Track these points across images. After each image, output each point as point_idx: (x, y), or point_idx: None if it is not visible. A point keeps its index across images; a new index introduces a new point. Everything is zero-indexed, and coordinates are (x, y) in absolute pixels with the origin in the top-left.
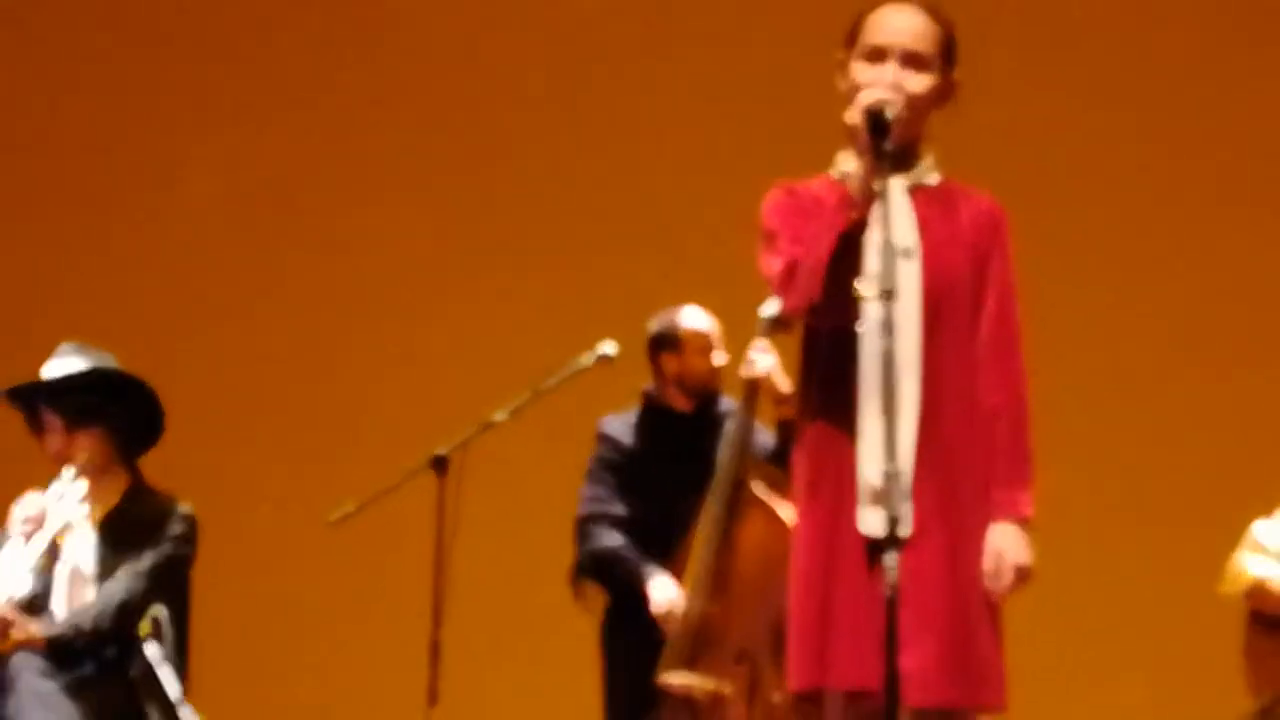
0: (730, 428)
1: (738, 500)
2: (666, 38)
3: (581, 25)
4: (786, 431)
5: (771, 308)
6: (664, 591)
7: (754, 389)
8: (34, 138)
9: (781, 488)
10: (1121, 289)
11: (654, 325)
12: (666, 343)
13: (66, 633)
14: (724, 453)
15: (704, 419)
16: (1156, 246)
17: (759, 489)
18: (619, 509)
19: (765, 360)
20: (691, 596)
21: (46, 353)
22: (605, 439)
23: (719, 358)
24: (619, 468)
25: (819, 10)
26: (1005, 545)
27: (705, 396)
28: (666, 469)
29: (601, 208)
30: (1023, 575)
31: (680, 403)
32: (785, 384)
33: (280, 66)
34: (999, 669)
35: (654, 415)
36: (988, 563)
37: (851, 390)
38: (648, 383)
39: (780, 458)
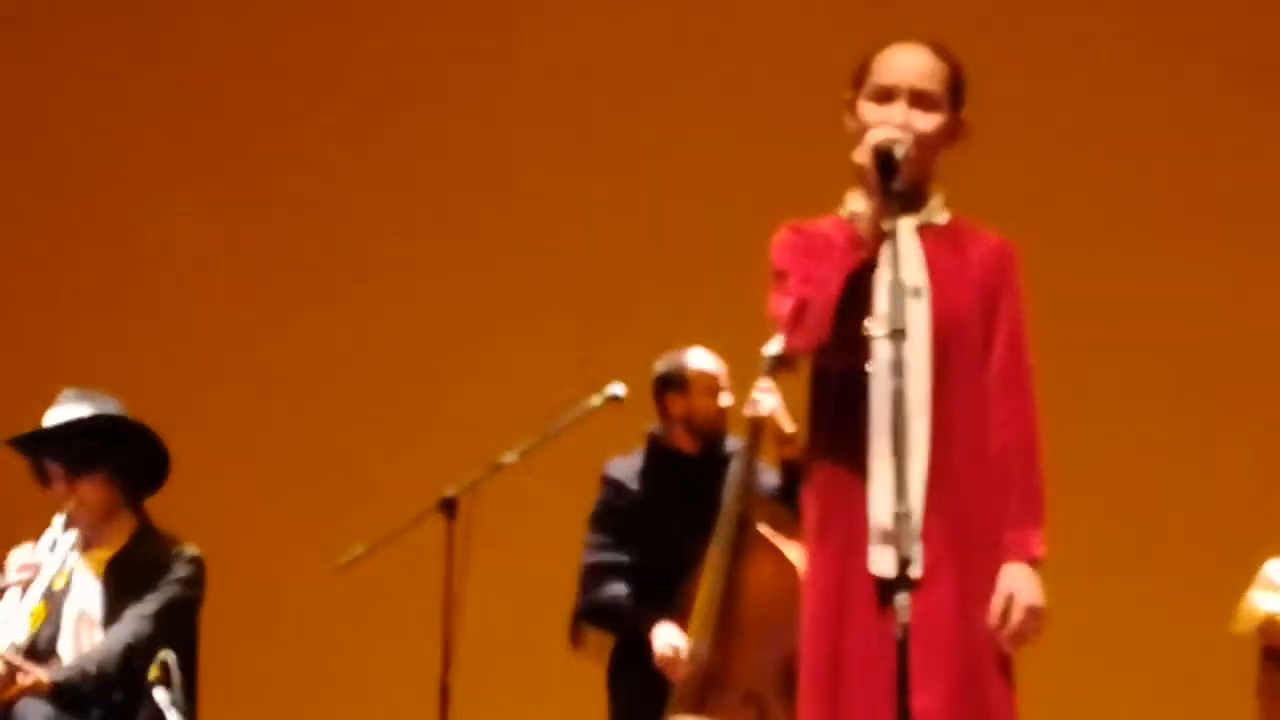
0: (734, 468)
1: (742, 540)
2: (674, 77)
3: (595, 65)
4: (790, 471)
5: (775, 347)
6: (667, 639)
7: (758, 429)
8: (32, 177)
9: (786, 527)
10: (1134, 324)
11: (660, 366)
12: (673, 383)
13: (73, 677)
14: (728, 493)
15: (710, 460)
16: (1167, 278)
17: (764, 529)
18: (623, 556)
19: (769, 400)
20: (697, 639)
21: (55, 397)
22: (609, 482)
23: (725, 399)
24: (623, 512)
25: (829, 51)
26: (1016, 586)
27: (711, 437)
28: (672, 511)
29: (611, 248)
30: (1034, 616)
31: (686, 444)
32: (789, 424)
33: (288, 104)
34: (1011, 709)
35: (659, 457)
36: (998, 604)
37: (861, 431)
38: (654, 424)
39: (785, 497)
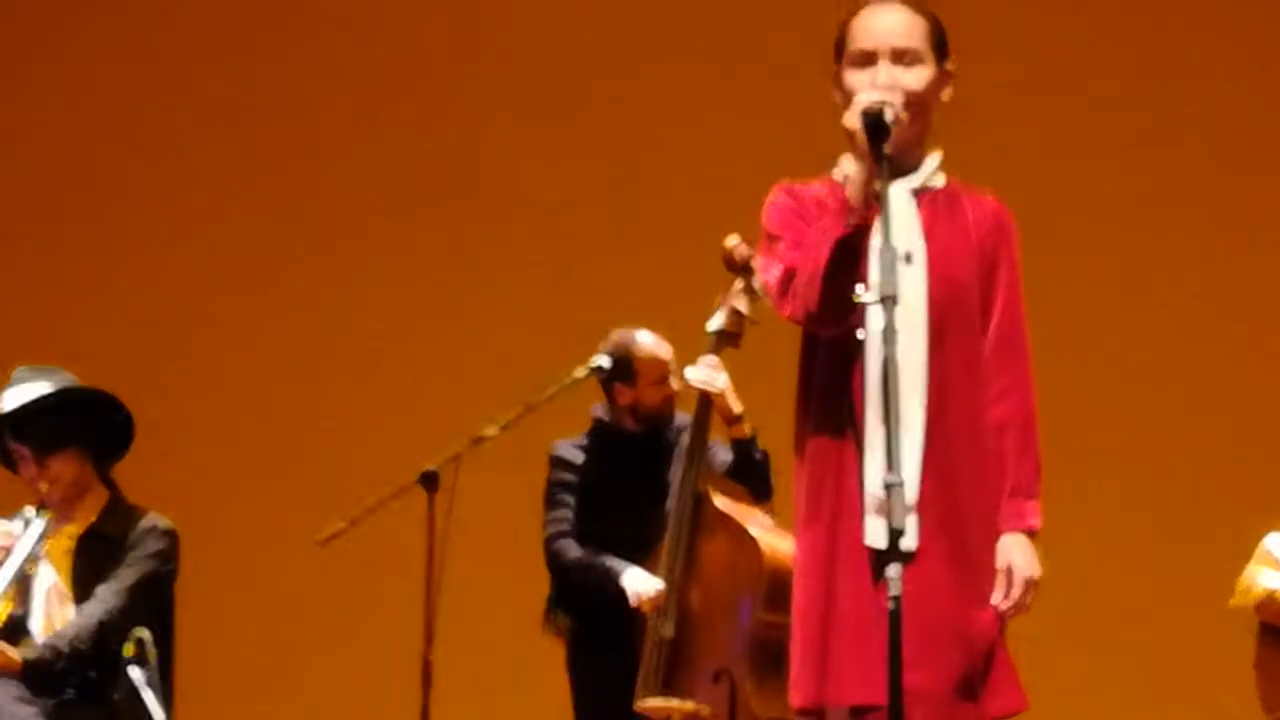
0: (685, 446)
1: (698, 516)
2: (655, 41)
3: (575, 33)
4: (740, 449)
5: (717, 322)
6: (639, 582)
7: (707, 406)
8: (11, 150)
9: (739, 500)
10: (1133, 297)
11: (606, 351)
12: (620, 373)
13: (45, 655)
14: (681, 471)
15: (656, 438)
16: (1165, 248)
17: (721, 504)
18: (580, 525)
19: (718, 378)
20: (661, 618)
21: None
22: (558, 461)
23: (673, 383)
24: (574, 489)
25: (813, 12)
26: (1015, 557)
27: (658, 421)
28: (620, 489)
29: (592, 218)
30: (1032, 588)
31: (631, 425)
32: (736, 404)
33: (274, 82)
34: (1010, 674)
35: (605, 437)
36: (997, 576)
37: (852, 400)
38: (598, 405)
39: (737, 474)
